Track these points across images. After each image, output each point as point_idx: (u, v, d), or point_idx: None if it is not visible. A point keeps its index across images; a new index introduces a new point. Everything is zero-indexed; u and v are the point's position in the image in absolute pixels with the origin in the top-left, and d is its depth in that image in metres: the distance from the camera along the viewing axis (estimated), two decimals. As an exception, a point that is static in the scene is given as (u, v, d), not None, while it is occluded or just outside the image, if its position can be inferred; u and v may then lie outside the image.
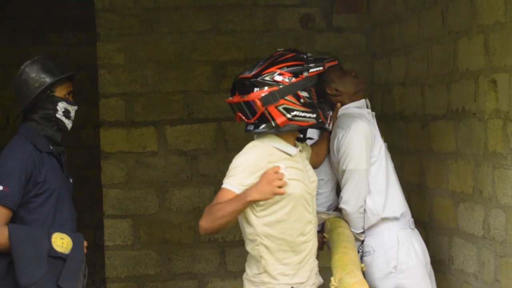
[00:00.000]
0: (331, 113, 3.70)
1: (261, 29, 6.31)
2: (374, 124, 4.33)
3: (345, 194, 4.22)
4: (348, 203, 4.20)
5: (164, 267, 6.29)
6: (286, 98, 3.47)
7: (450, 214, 4.76)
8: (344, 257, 3.62)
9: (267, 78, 3.47)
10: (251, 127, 3.56)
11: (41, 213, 3.66)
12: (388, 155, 4.34)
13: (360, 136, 4.18)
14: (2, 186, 3.53)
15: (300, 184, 3.56)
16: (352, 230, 4.22)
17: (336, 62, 3.65)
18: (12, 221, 3.61)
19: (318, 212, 4.40)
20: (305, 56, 3.57)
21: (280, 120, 3.47)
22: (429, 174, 5.10)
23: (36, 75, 3.71)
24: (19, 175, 3.56)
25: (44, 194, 3.66)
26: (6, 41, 8.77)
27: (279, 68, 3.49)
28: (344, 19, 6.35)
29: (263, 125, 3.51)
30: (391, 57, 5.81)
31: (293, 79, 3.48)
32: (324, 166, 4.44)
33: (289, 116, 3.48)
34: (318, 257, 4.69)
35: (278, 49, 3.66)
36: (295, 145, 3.63)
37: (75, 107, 3.80)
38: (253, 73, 3.51)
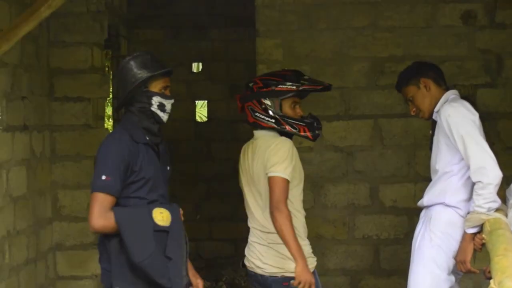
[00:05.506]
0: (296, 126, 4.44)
1: (420, 25, 6.23)
2: None
3: (472, 159, 4.17)
4: (483, 170, 4.15)
5: (318, 262, 6.29)
6: (252, 101, 4.34)
7: None
8: (504, 259, 3.53)
9: (250, 85, 4.37)
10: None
11: (136, 198, 3.89)
12: None
13: None
14: (105, 175, 3.79)
15: None
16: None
17: (319, 88, 4.29)
18: None
19: (477, 212, 4.31)
20: (289, 76, 4.30)
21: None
22: None
23: (134, 71, 3.93)
24: (118, 165, 3.81)
25: (140, 181, 3.88)
26: (170, 37, 9.07)
27: (258, 78, 4.39)
28: (509, 15, 6.16)
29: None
30: (558, 55, 5.60)
31: (261, 89, 4.30)
32: None
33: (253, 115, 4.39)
34: (475, 259, 4.59)
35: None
36: None
37: (171, 101, 3.99)
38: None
